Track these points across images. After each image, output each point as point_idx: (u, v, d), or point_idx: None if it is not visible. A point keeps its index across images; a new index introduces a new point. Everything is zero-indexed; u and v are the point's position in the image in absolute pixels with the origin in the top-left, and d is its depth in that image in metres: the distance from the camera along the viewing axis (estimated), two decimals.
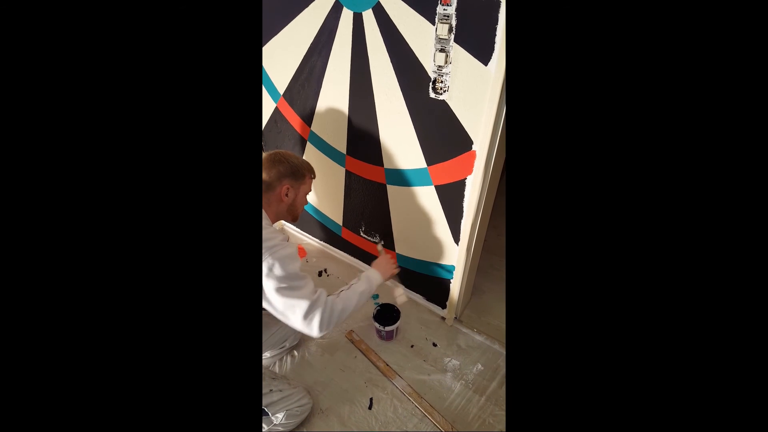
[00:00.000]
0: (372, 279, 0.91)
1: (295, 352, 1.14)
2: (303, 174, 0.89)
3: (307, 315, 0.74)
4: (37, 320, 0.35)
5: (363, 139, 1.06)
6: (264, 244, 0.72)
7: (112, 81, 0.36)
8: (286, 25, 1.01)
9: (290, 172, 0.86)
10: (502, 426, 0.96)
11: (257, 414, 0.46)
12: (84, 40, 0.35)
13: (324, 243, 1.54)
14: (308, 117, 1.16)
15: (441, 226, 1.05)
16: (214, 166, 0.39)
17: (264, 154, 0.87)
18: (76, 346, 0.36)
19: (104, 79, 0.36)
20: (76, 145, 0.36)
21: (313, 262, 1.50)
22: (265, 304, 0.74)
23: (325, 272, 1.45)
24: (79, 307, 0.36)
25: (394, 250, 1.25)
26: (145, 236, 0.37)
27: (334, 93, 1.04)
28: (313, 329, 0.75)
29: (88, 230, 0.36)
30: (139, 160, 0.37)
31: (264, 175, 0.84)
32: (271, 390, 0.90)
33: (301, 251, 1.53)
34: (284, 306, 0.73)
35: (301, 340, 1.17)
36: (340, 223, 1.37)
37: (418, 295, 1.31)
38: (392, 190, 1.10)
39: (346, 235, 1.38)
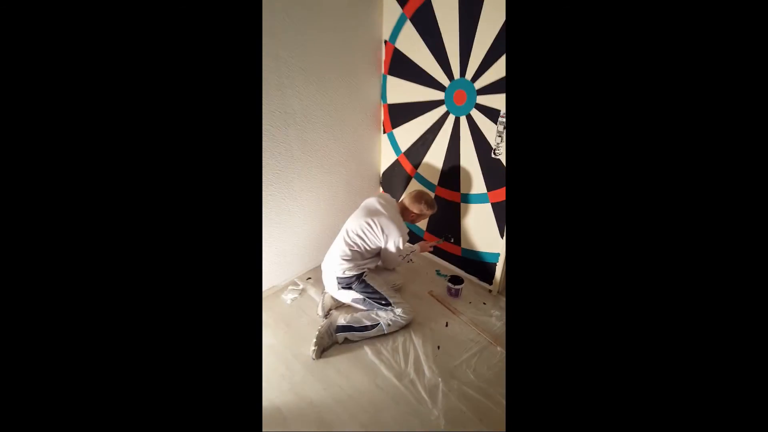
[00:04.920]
0: (417, 250, 1.87)
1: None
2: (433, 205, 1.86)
3: (396, 263, 1.69)
4: (39, 303, 0.36)
5: (448, 177, 1.94)
6: (398, 222, 1.66)
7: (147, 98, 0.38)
8: (414, 118, 1.98)
9: (429, 205, 1.83)
10: None
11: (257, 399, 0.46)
12: (109, 53, 0.36)
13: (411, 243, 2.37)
14: (416, 165, 2.08)
15: (491, 227, 1.85)
16: (218, 167, 0.41)
17: (416, 188, 1.88)
18: (93, 335, 0.37)
19: (141, 97, 0.38)
20: (110, 144, 0.37)
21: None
22: (387, 247, 1.65)
23: (411, 261, 2.25)
24: (92, 298, 0.37)
25: (460, 245, 2.05)
26: (159, 230, 0.39)
27: (434, 154, 1.95)
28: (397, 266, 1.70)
29: (103, 222, 0.37)
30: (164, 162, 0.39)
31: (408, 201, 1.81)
32: (393, 296, 1.68)
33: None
34: (392, 252, 1.65)
35: (404, 284, 1.96)
36: (424, 228, 2.21)
37: (473, 276, 2.06)
38: (464, 207, 1.94)
39: (427, 236, 2.21)
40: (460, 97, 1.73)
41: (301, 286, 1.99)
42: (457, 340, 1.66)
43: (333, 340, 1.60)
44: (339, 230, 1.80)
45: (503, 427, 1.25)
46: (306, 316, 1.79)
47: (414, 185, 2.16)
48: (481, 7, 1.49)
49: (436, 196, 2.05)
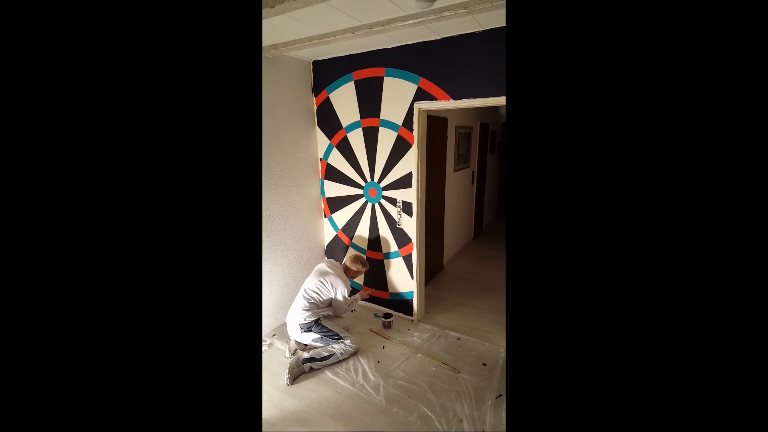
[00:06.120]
0: (357, 298, 2.57)
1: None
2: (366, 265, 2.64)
3: (343, 310, 2.42)
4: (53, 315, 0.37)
5: (373, 243, 2.81)
6: (343, 278, 2.41)
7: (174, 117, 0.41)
8: (345, 206, 2.89)
9: (363, 264, 2.60)
10: (433, 345, 2.39)
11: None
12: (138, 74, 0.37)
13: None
14: (351, 237, 2.93)
15: (405, 274, 2.70)
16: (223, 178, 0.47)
17: (352, 253, 2.66)
18: (113, 339, 0.37)
19: (166, 108, 0.39)
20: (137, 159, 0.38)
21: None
22: (336, 297, 2.36)
23: (354, 310, 2.94)
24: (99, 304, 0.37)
25: (388, 291, 2.84)
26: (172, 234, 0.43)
27: (362, 229, 2.84)
28: (345, 313, 2.43)
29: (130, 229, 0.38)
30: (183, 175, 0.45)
31: (348, 263, 2.57)
32: (343, 332, 2.34)
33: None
34: (340, 301, 2.37)
35: (351, 325, 2.61)
36: (362, 283, 2.98)
37: (399, 312, 2.82)
38: (386, 262, 2.79)
39: (365, 288, 2.97)
40: (373, 192, 2.71)
41: (268, 342, 2.53)
42: (391, 356, 2.34)
43: (301, 371, 2.16)
44: (296, 292, 2.48)
45: (426, 398, 1.92)
46: (275, 361, 2.32)
47: (351, 251, 2.98)
48: (376, 143, 2.56)
49: (367, 257, 2.88)
